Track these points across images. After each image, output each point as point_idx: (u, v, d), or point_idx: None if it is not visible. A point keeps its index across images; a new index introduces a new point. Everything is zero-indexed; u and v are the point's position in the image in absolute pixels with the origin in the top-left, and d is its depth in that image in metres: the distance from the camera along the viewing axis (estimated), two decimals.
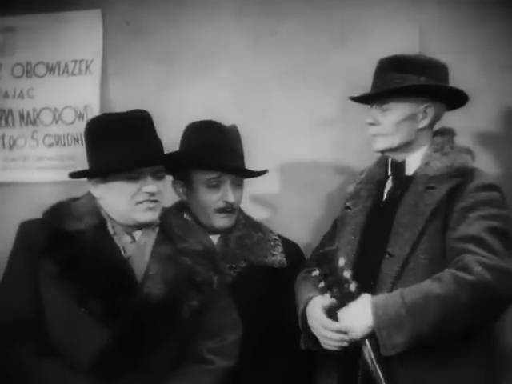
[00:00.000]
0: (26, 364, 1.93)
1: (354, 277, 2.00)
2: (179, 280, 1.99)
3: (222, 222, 2.34)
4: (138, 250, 2.02)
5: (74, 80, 3.18)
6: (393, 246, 2.09)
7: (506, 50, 2.71)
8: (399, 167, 2.24)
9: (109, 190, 1.99)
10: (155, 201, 1.99)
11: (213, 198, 2.33)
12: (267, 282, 2.31)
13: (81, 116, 3.14)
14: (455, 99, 2.24)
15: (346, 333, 1.99)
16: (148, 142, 2.01)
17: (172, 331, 1.98)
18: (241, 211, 2.45)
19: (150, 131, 2.03)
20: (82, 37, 3.17)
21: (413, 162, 2.22)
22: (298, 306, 2.19)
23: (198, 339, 2.05)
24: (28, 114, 3.22)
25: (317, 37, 2.91)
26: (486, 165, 2.56)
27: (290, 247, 2.44)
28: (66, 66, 3.19)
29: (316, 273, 2.03)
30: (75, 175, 2.07)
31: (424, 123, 2.20)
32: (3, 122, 3.24)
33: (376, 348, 1.94)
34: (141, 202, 1.97)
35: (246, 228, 2.41)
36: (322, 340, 2.06)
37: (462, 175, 2.12)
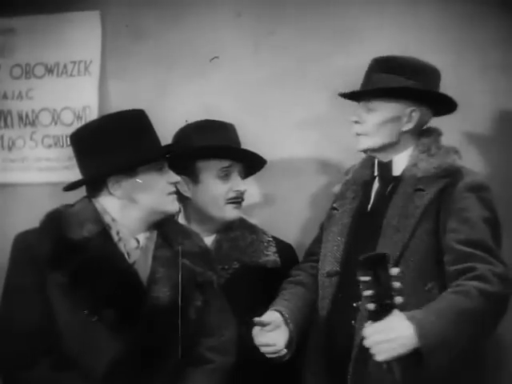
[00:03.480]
0: (45, 379, 1.91)
1: (341, 280, 2.03)
2: (183, 282, 2.00)
3: (233, 212, 2.36)
4: (142, 254, 2.02)
5: (73, 81, 3.18)
6: (382, 247, 2.09)
7: (505, 51, 2.71)
8: (386, 167, 2.24)
9: (139, 185, 1.98)
10: (175, 192, 2.07)
11: (224, 188, 2.35)
12: (260, 283, 2.32)
13: (79, 117, 3.14)
14: (443, 105, 2.24)
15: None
16: (157, 136, 2.07)
17: (180, 333, 1.98)
18: None
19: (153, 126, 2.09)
20: (80, 38, 3.17)
21: (399, 162, 2.22)
22: None
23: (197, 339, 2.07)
24: (27, 115, 3.22)
25: (315, 38, 2.91)
26: (484, 166, 2.57)
27: (283, 248, 2.45)
28: (65, 67, 3.19)
29: (365, 278, 1.82)
30: (98, 175, 1.99)
31: (408, 126, 2.19)
32: (2, 122, 3.24)
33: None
34: (170, 193, 2.03)
35: (240, 229, 2.42)
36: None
37: (450, 175, 2.12)
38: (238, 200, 2.37)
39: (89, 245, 1.93)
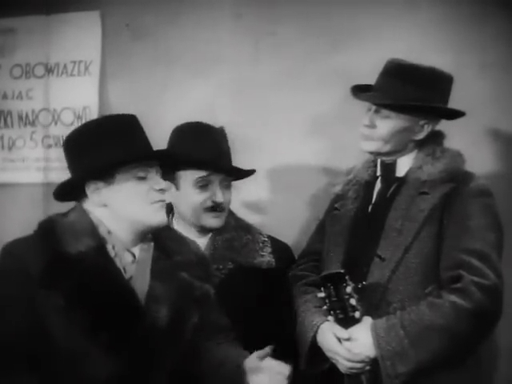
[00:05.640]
0: None
1: None
2: (182, 299, 1.91)
3: (211, 221, 2.32)
4: (139, 268, 1.90)
5: (73, 81, 3.19)
6: (384, 249, 2.10)
7: (505, 50, 2.70)
8: (389, 168, 2.23)
9: (116, 194, 1.84)
10: (164, 200, 1.90)
11: (201, 197, 2.30)
12: (255, 283, 2.30)
13: (79, 117, 3.15)
14: (453, 116, 2.24)
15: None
16: (147, 140, 1.93)
17: (176, 352, 1.91)
18: (231, 213, 2.44)
19: (143, 132, 1.95)
20: (81, 38, 3.18)
21: (403, 164, 2.21)
22: (304, 329, 2.16)
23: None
24: (27, 115, 3.23)
25: (315, 38, 2.91)
26: (483, 166, 2.57)
27: (279, 248, 2.43)
28: (65, 67, 3.20)
29: (321, 294, 2.02)
30: (74, 181, 1.88)
31: (419, 136, 2.19)
32: (2, 122, 3.25)
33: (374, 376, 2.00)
34: (155, 202, 1.86)
35: (236, 230, 2.40)
36: (345, 370, 2.06)
37: (455, 180, 2.12)
38: (215, 209, 2.31)
39: (85, 261, 1.80)
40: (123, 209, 1.85)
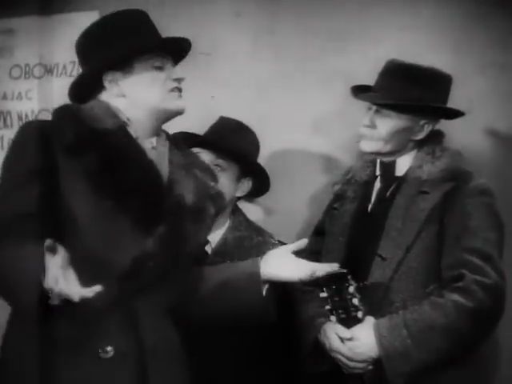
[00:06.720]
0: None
1: None
2: (200, 192, 1.94)
3: None
4: (158, 157, 1.92)
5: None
6: (385, 249, 2.11)
7: (504, 51, 2.71)
8: (388, 167, 2.24)
9: (134, 84, 1.88)
10: (181, 89, 1.93)
11: None
12: None
13: None
14: (453, 116, 2.26)
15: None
16: (158, 33, 1.97)
17: (200, 236, 1.96)
18: (243, 215, 2.50)
19: (155, 26, 1.99)
20: None
21: (403, 163, 2.22)
22: (306, 329, 2.18)
23: None
24: (26, 116, 3.22)
25: (315, 37, 2.91)
26: (483, 166, 2.58)
27: None
28: (65, 67, 3.20)
29: (323, 294, 2.02)
30: (92, 71, 1.91)
31: (419, 136, 2.21)
32: (1, 123, 3.25)
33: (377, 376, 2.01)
34: (172, 90, 1.90)
35: (248, 231, 2.44)
36: (347, 369, 2.07)
37: (455, 179, 2.13)
38: None
39: (112, 136, 1.82)
40: (142, 98, 1.89)
